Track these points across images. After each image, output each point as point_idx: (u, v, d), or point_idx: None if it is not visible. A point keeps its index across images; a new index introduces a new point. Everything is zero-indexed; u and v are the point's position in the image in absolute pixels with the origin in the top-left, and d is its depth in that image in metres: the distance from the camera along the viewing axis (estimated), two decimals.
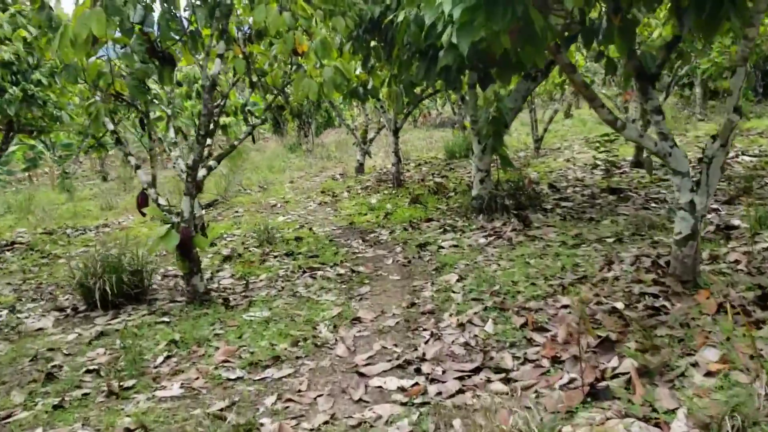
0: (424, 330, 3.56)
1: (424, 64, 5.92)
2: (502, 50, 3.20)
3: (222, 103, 6.33)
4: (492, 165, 6.62)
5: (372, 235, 6.43)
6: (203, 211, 9.53)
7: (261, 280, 5.17)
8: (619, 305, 3.51)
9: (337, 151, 16.60)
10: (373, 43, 6.68)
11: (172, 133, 7.89)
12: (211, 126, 6.83)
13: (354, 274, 4.99)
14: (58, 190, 13.92)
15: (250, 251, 6.33)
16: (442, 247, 5.40)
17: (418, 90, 7.96)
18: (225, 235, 7.48)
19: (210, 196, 10.59)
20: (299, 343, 3.56)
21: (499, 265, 4.68)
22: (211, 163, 4.80)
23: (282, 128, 21.56)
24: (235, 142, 5.37)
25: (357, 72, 7.19)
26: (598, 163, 9.27)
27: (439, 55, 5.49)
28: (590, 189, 7.21)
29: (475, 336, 3.36)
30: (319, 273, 5.10)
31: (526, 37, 2.91)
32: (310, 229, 7.13)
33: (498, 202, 6.32)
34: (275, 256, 5.95)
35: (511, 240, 5.32)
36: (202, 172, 4.62)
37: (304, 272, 5.19)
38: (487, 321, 3.51)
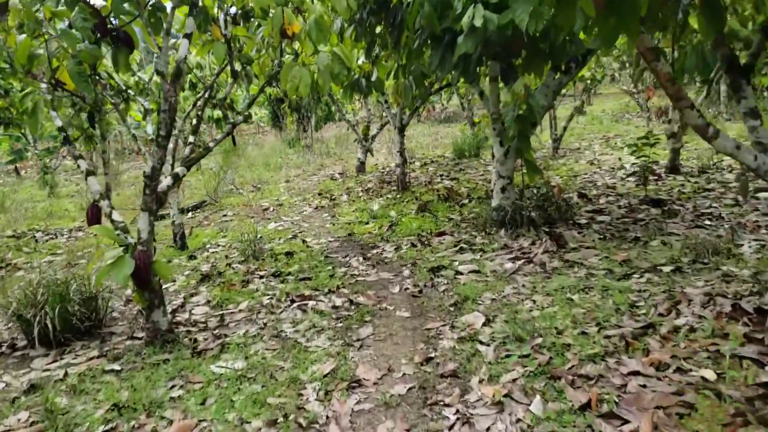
0: (446, 406, 2.64)
1: (438, 52, 5.00)
2: (569, 28, 2.29)
3: (207, 96, 5.43)
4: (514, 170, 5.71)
5: (374, 251, 5.52)
6: (189, 215, 8.63)
7: (240, 311, 4.25)
8: (709, 374, 2.60)
9: (337, 147, 15.67)
10: (378, 28, 5.77)
11: (149, 129, 6.99)
12: (193, 122, 5.91)
13: (353, 307, 4.07)
14: (38, 185, 13.00)
15: (232, 268, 5.42)
16: (460, 273, 4.48)
17: (429, 82, 7.06)
18: (209, 245, 6.58)
19: (199, 197, 9.68)
20: (278, 422, 2.65)
21: (534, 301, 3.77)
22: (179, 170, 3.87)
23: (281, 122, 20.61)
24: (211, 144, 4.43)
25: (359, 61, 6.27)
26: (626, 166, 8.35)
27: (457, 41, 4.60)
28: (626, 199, 6.29)
29: (519, 421, 2.45)
30: (311, 303, 4.18)
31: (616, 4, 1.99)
32: (304, 240, 6.21)
33: (523, 215, 5.40)
34: (261, 276, 5.04)
35: (544, 266, 4.40)
36: (166, 181, 3.70)
37: (293, 301, 4.28)
38: (532, 396, 2.60)
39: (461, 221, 6.12)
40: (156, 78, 13.11)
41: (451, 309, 3.83)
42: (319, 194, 9.07)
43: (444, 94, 20.86)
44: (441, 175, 9.44)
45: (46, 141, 18.62)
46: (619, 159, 8.97)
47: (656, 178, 7.21)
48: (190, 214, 8.74)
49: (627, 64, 15.59)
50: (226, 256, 5.97)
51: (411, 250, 5.31)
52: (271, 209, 8.28)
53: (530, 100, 4.63)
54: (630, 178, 7.42)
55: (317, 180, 10.88)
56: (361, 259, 5.27)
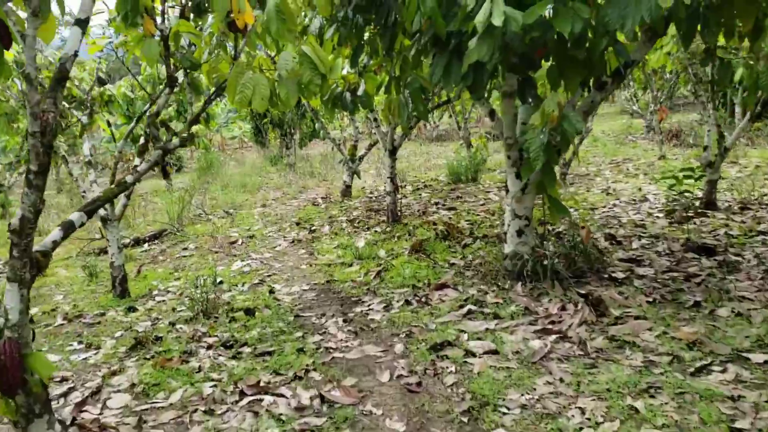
0: None
1: (442, 60, 3.96)
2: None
3: (156, 110, 4.30)
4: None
5: (358, 308, 4.36)
6: (145, 246, 7.44)
7: (171, 405, 3.09)
8: None
9: (321, 167, 14.54)
10: (367, 34, 4.68)
11: (86, 149, 5.84)
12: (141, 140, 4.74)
13: (325, 409, 2.92)
14: None
15: (176, 330, 4.26)
16: (472, 354, 3.33)
17: (427, 98, 5.96)
18: (157, 292, 5.41)
19: (161, 223, 8.50)
20: None
21: (582, 410, 2.63)
22: (74, 216, 2.68)
23: (264, 138, 19.51)
24: (128, 178, 3.26)
25: (344, 71, 5.16)
26: (649, 198, 7.29)
27: (466, 46, 3.58)
28: (663, 243, 5.19)
29: None
30: (267, 400, 3.02)
31: None
32: (272, 289, 5.05)
33: (546, 266, 4.29)
34: (209, 346, 3.87)
35: (584, 345, 3.27)
36: (51, 236, 2.53)
37: (243, 395, 3.11)
38: None
39: (465, 267, 4.99)
40: (123, 89, 11.95)
41: (464, 420, 2.68)
42: (298, 224, 7.92)
43: (436, 112, 19.83)
44: (436, 204, 8.32)
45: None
46: (639, 189, 7.89)
47: (691, 214, 6.13)
48: (146, 245, 7.56)
49: (631, 83, 14.64)
50: (174, 309, 4.80)
51: (404, 311, 4.16)
52: (240, 242, 7.12)
53: (565, 124, 3.54)
54: (659, 214, 6.33)
55: (297, 205, 9.73)
56: (340, 321, 4.11)
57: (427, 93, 4.53)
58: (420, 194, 9.44)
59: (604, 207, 6.95)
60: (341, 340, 3.78)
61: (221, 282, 5.47)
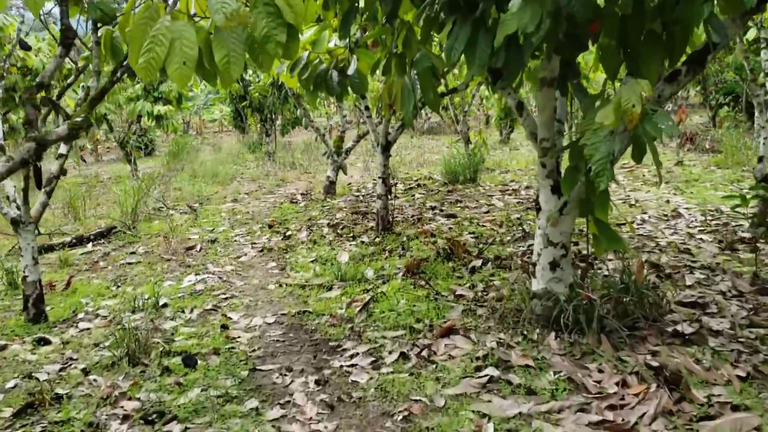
0: None
1: (464, 31, 2.87)
2: None
3: (39, 80, 3.14)
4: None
5: (337, 362, 3.24)
6: (88, 247, 6.25)
7: None
8: None
9: (303, 157, 13.38)
10: None
11: None
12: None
13: None
14: None
15: (89, 383, 3.12)
16: None
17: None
18: (82, 314, 4.26)
19: (114, 218, 7.32)
20: None
21: None
22: None
23: (244, 122, 18.27)
24: None
25: (331, 44, 4.02)
26: (682, 212, 6.25)
27: (498, 13, 2.54)
28: (723, 277, 4.13)
29: None
30: None
31: None
32: (225, 325, 3.91)
33: (590, 313, 3.21)
34: (124, 417, 2.75)
35: None
36: None
37: None
38: None
39: (476, 302, 3.89)
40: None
41: None
42: (270, 226, 6.78)
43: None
44: (432, 208, 7.22)
45: None
46: (667, 202, 6.84)
47: (738, 239, 5.09)
48: (90, 245, 6.37)
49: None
50: (96, 345, 3.66)
51: (400, 370, 3.05)
52: (199, 248, 5.96)
53: (647, 124, 2.45)
54: (702, 236, 5.28)
55: (273, 201, 8.58)
56: (311, 383, 2.99)
57: (439, 75, 3.42)
58: (413, 195, 8.32)
59: (635, 224, 5.88)
60: (311, 419, 2.66)
61: (165, 305, 4.34)
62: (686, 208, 6.40)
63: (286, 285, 4.67)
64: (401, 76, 3.38)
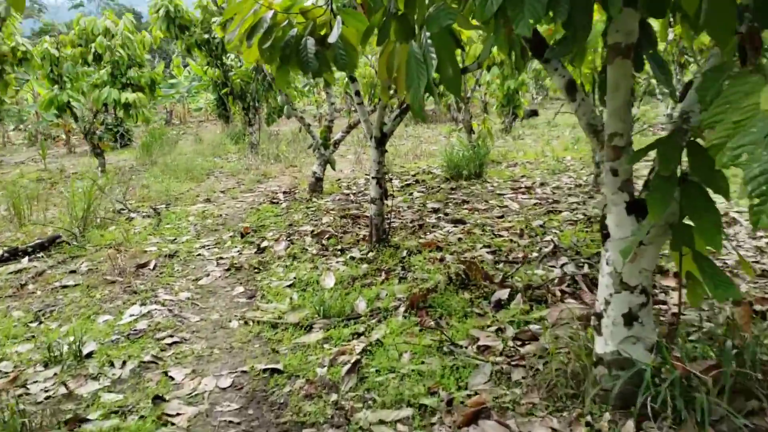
0: None
1: None
2: None
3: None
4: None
5: None
6: (24, 263, 5.14)
7: None
8: None
9: (289, 149, 12.26)
10: None
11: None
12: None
13: None
14: None
15: None
16: None
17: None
18: None
19: (59, 226, 6.22)
20: None
21: None
22: None
23: (228, 111, 17.11)
24: None
25: (309, 2, 2.92)
26: None
27: None
28: None
29: None
30: None
31: None
32: (160, 396, 2.81)
33: (692, 395, 2.16)
34: None
35: None
36: None
37: None
38: None
39: (508, 358, 2.83)
40: (46, 45, 9.51)
41: None
42: (243, 235, 5.69)
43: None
44: (435, 211, 6.15)
45: None
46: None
47: None
48: (25, 260, 5.26)
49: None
50: None
51: None
52: (153, 265, 4.87)
53: None
54: None
55: (251, 201, 7.49)
56: None
57: (461, 41, 2.31)
58: (411, 194, 7.25)
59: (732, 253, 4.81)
60: None
61: (91, 354, 3.26)
62: None
63: (253, 322, 3.60)
64: (402, 42, 2.29)
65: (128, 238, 5.69)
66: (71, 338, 3.39)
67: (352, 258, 4.65)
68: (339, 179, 8.75)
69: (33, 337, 3.58)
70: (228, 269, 4.69)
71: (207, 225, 6.26)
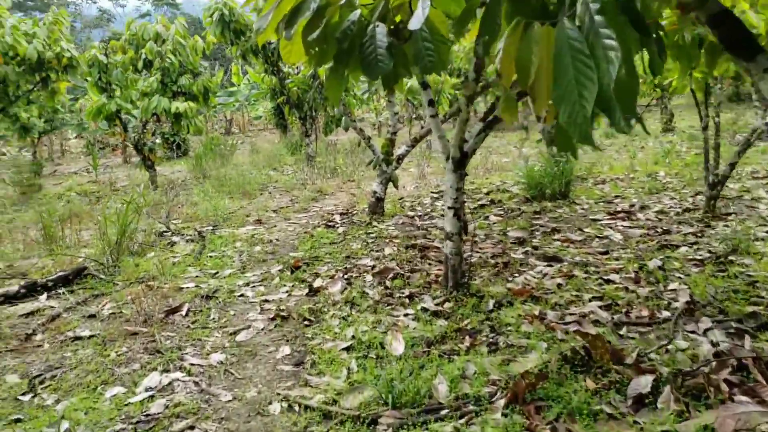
0: None
1: None
2: None
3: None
4: None
5: None
6: (40, 302, 4.41)
7: None
8: None
9: (347, 162, 11.44)
10: None
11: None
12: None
13: None
14: None
15: None
16: None
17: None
18: None
19: (96, 250, 5.55)
20: None
21: None
22: None
23: (285, 120, 16.51)
24: None
25: None
26: None
27: None
28: None
29: None
30: None
31: None
32: None
33: None
34: None
35: None
36: None
37: None
38: None
39: None
40: (93, 51, 8.98)
41: None
42: (295, 269, 4.85)
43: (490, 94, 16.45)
44: (521, 243, 5.17)
45: None
46: None
47: None
48: (44, 297, 4.54)
49: None
50: None
51: None
52: (185, 311, 4.06)
53: None
54: None
55: (305, 224, 6.67)
56: None
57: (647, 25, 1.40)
58: (487, 217, 6.28)
59: None
60: None
61: None
62: None
63: (300, 406, 2.72)
64: (540, 19, 1.36)
65: (164, 270, 4.93)
66: (65, 425, 2.60)
67: (424, 310, 3.72)
68: (401, 198, 7.85)
69: (18, 420, 2.79)
70: (273, 318, 3.83)
71: (255, 254, 5.45)
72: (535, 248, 4.98)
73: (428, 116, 4.13)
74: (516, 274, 4.32)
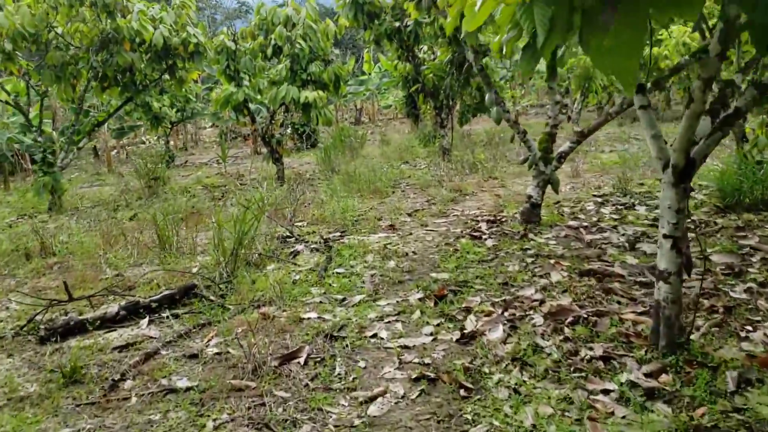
0: None
1: None
2: None
3: None
4: None
5: None
6: (126, 332, 3.71)
7: None
8: None
9: (486, 155, 10.30)
10: None
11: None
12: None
13: None
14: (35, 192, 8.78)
15: None
16: None
17: None
18: None
19: (207, 264, 4.91)
20: None
21: None
22: None
23: (417, 110, 15.58)
24: None
25: None
26: None
27: None
28: None
29: None
30: None
31: None
32: None
33: None
34: None
35: None
36: None
37: None
38: None
39: None
40: (222, 37, 8.55)
41: None
42: (439, 299, 3.87)
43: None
44: (736, 274, 3.88)
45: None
46: None
47: None
48: (144, 323, 3.87)
49: None
50: None
51: None
52: (303, 357, 3.19)
53: None
54: None
55: (445, 231, 5.69)
56: None
57: None
58: None
59: None
60: None
61: None
62: None
63: None
64: None
65: (282, 292, 4.13)
66: None
67: (633, 385, 2.60)
68: (557, 202, 6.66)
69: None
70: (416, 379, 2.87)
71: (388, 272, 4.53)
72: (763, 285, 3.67)
73: (638, 108, 2.96)
74: (749, 327, 3.09)
